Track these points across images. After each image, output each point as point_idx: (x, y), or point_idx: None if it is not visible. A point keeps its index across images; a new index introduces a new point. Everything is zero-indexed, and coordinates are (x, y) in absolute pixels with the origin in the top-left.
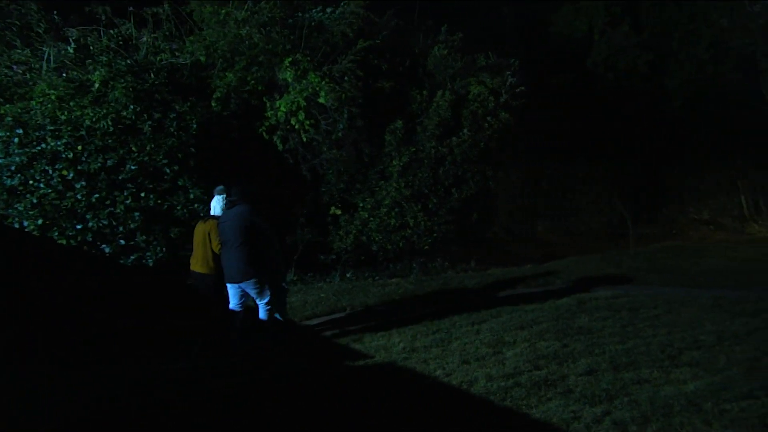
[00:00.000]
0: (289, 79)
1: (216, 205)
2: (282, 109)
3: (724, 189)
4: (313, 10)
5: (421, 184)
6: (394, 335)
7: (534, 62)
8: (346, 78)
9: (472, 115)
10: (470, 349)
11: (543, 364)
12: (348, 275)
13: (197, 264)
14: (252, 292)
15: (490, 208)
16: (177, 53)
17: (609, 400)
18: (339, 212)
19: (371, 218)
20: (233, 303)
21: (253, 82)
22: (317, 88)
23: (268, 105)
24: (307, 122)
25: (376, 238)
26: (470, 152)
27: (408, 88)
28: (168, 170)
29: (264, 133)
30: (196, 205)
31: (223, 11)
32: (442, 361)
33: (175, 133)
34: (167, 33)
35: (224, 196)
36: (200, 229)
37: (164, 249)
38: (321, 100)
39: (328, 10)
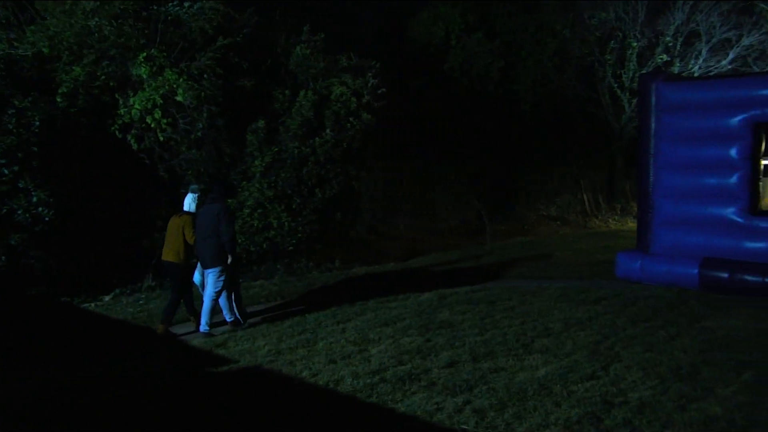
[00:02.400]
0: (144, 76)
1: (191, 203)
2: (136, 106)
3: (569, 187)
4: (170, 4)
5: (285, 184)
6: (259, 338)
7: (394, 65)
8: (205, 76)
9: (334, 115)
10: (336, 348)
11: (407, 359)
12: None
13: (169, 254)
14: (209, 279)
15: (354, 207)
16: (16, 43)
17: (469, 390)
18: None
19: None
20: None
21: (103, 77)
22: (175, 86)
23: (121, 102)
24: (164, 121)
25: (239, 240)
26: (333, 152)
27: (270, 87)
28: (6, 171)
29: (117, 132)
30: (40, 209)
31: (69, 0)
32: (309, 362)
33: (15, 130)
34: (4, 21)
35: (198, 194)
36: (175, 223)
37: (3, 257)
38: (179, 98)
39: (186, 4)
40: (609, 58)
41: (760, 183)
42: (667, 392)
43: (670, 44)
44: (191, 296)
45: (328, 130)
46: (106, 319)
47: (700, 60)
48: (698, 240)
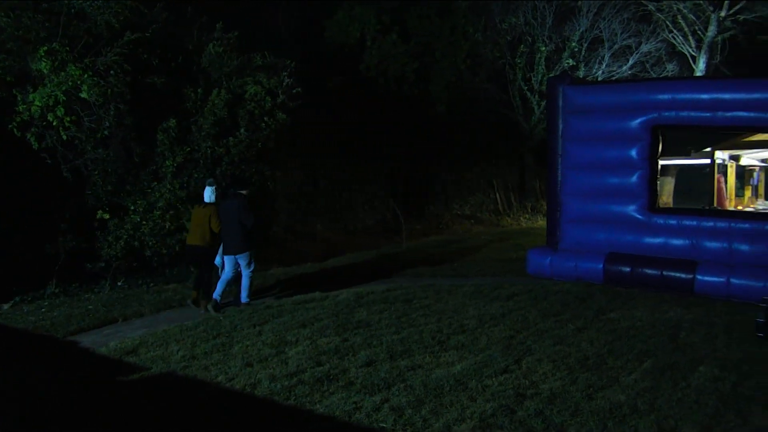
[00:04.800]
0: (45, 71)
1: (211, 194)
2: (37, 103)
3: (482, 187)
4: None
5: (197, 185)
6: (171, 344)
7: (310, 64)
8: (112, 72)
9: (249, 114)
10: (252, 351)
11: (325, 359)
12: (119, 284)
13: (196, 239)
14: (242, 263)
15: (270, 208)
16: None
17: (387, 388)
18: (107, 216)
19: (144, 222)
20: (228, 269)
21: (0, 72)
22: (79, 82)
23: (19, 98)
24: (68, 119)
25: (150, 243)
26: (248, 152)
27: (182, 85)
28: None
29: (15, 130)
30: None
31: None
32: (224, 366)
33: None
34: None
35: (214, 187)
36: (200, 213)
37: None
38: (83, 95)
39: None
40: (519, 61)
41: (658, 182)
42: (576, 382)
43: (576, 49)
44: (210, 278)
45: (242, 130)
46: (5, 328)
47: (603, 65)
48: (603, 236)
